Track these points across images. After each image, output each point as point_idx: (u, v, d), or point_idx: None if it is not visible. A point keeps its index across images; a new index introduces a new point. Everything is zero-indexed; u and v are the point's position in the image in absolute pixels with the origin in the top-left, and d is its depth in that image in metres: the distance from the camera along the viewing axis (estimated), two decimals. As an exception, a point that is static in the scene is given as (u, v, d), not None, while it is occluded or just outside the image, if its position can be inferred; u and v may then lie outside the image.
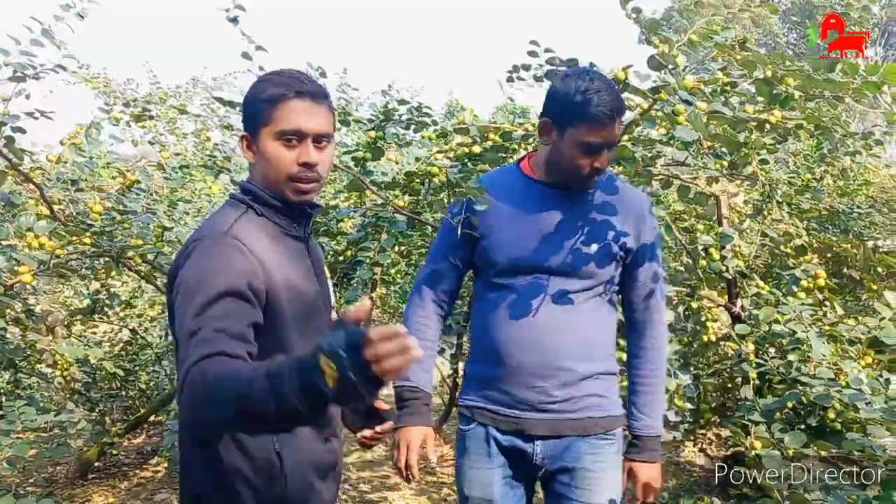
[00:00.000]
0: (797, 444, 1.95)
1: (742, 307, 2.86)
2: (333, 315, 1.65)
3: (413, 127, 2.39)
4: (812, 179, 3.10)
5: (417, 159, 2.61)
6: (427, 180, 2.44)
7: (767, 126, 1.75)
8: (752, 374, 2.34)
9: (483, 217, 1.90)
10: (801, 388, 2.24)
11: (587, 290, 1.88)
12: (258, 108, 1.47)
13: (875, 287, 3.01)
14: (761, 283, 2.85)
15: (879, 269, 3.00)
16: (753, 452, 1.85)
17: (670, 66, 1.73)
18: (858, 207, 3.06)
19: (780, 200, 2.76)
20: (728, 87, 1.84)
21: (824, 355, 2.19)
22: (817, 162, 3.29)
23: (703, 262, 2.89)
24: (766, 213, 2.99)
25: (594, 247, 1.87)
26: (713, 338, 2.94)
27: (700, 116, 1.55)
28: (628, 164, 2.64)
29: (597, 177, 1.84)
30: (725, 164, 3.00)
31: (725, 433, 4.21)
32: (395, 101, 2.45)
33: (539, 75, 2.29)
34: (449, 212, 2.05)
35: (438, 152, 2.56)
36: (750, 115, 1.70)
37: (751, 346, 2.39)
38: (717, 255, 2.81)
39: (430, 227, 2.72)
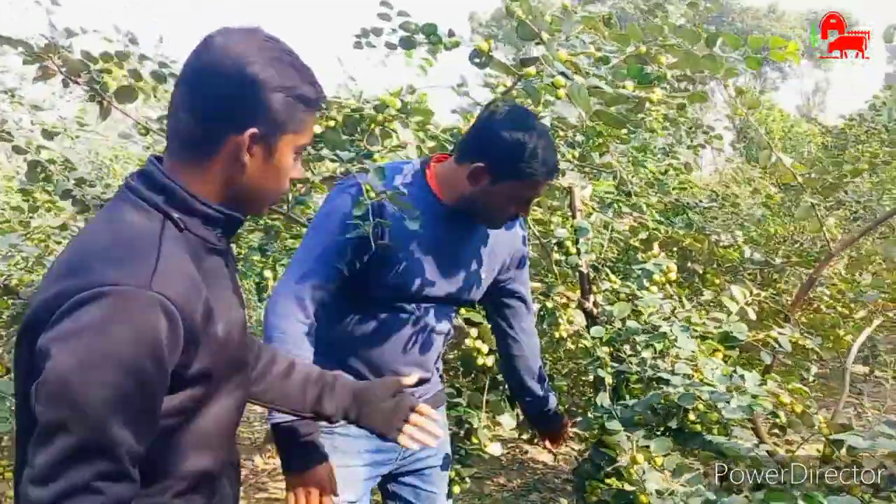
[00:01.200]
0: (663, 449, 1.83)
1: (595, 303, 2.76)
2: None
3: None
4: (658, 173, 3.07)
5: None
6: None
7: (647, 105, 1.60)
8: (609, 379, 2.21)
9: (399, 236, 1.77)
10: (661, 388, 2.13)
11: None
12: (290, 107, 1.15)
13: (717, 281, 3.03)
14: (613, 278, 2.77)
15: (721, 263, 3.03)
16: (635, 467, 1.70)
17: (542, 33, 1.53)
18: (700, 202, 3.08)
19: (637, 192, 2.69)
20: (599, 64, 1.68)
21: (693, 351, 2.10)
22: (661, 156, 3.28)
23: (556, 256, 2.77)
24: (617, 206, 2.92)
25: (486, 275, 1.97)
26: (564, 334, 2.82)
27: (583, 89, 1.36)
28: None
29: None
30: (576, 154, 2.90)
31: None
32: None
33: (392, 42, 2.02)
34: (335, 200, 1.81)
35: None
36: (630, 91, 1.55)
37: (606, 350, 2.27)
38: (573, 249, 2.68)
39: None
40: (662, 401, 2.08)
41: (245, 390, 1.30)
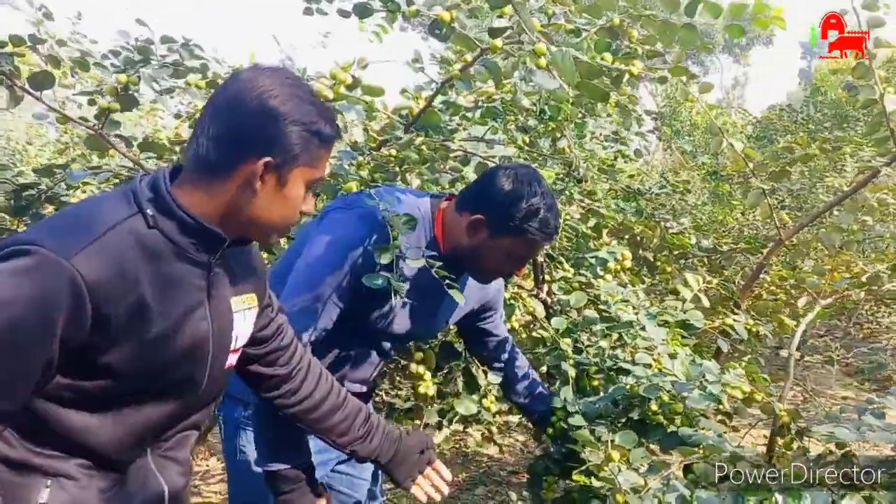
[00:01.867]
0: (629, 443, 1.74)
1: (549, 292, 2.68)
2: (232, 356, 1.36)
3: (177, 71, 1.83)
4: (608, 159, 3.01)
5: (178, 116, 2.08)
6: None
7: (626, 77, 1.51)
8: (571, 372, 2.13)
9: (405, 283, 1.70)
10: (623, 381, 2.06)
11: None
12: (306, 141, 1.21)
13: (668, 269, 2.99)
14: (567, 267, 2.69)
15: (672, 250, 2.99)
16: (610, 465, 1.61)
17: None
18: (650, 189, 3.04)
19: (592, 177, 2.62)
20: (571, 36, 1.58)
21: (664, 339, 2.04)
22: (607, 143, 3.23)
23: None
24: (568, 193, 2.84)
25: (452, 320, 2.03)
26: (516, 325, 2.74)
27: (569, 57, 1.25)
28: (435, 133, 2.32)
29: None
30: (527, 140, 2.81)
31: (514, 419, 4.08)
32: (157, 40, 1.88)
33: (346, 10, 1.86)
34: (341, 229, 1.73)
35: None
36: (609, 63, 1.45)
37: (567, 341, 2.18)
38: (525, 237, 2.59)
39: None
40: (626, 391, 2.01)
41: (183, 405, 1.30)
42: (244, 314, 1.37)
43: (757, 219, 3.43)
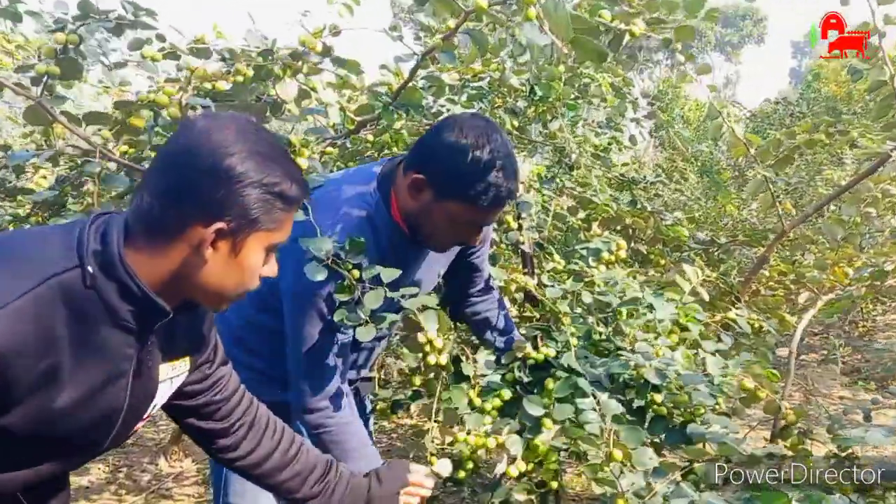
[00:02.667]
0: (634, 441, 1.57)
1: (539, 283, 2.51)
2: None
3: (119, 27, 1.62)
4: (601, 146, 2.86)
5: (122, 84, 1.90)
6: (154, 114, 1.73)
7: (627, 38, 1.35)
8: (574, 341, 1.96)
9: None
10: (624, 357, 1.89)
11: None
12: (266, 204, 1.09)
13: (663, 262, 2.84)
14: (557, 258, 2.53)
15: (667, 243, 2.84)
16: (611, 465, 1.44)
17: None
18: (644, 178, 2.88)
19: (585, 165, 2.47)
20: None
21: (674, 314, 1.91)
22: (600, 129, 3.07)
23: (496, 235, 2.52)
24: (560, 181, 2.69)
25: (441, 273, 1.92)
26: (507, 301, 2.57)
27: (562, 5, 1.09)
28: (417, 113, 2.15)
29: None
30: (516, 124, 2.65)
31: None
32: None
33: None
34: (310, 288, 1.59)
35: (168, 81, 1.86)
36: (608, 22, 1.30)
37: (565, 307, 2.02)
38: (514, 224, 2.43)
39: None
40: (631, 371, 1.83)
41: (76, 463, 1.26)
42: (171, 381, 1.27)
43: (754, 212, 3.27)
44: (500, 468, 1.71)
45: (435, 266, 1.87)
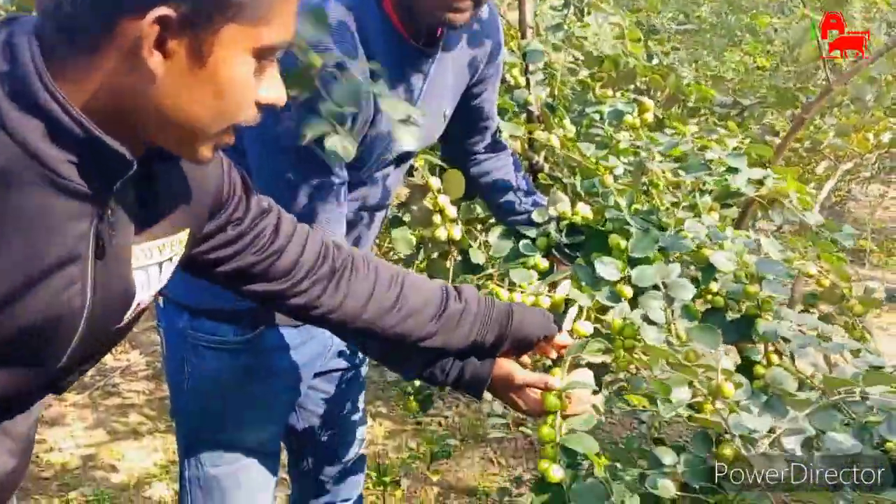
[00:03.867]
0: (711, 343, 1.22)
1: (547, 157, 2.11)
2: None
3: None
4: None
5: None
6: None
7: None
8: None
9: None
10: (684, 232, 1.54)
11: None
12: None
13: (681, 128, 2.45)
14: (567, 124, 2.11)
15: (685, 105, 2.45)
16: (717, 403, 1.09)
17: None
18: (665, 25, 2.44)
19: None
20: None
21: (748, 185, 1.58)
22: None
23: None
24: (568, 27, 2.23)
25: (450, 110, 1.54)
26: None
27: None
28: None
29: (455, 20, 1.29)
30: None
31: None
32: None
33: None
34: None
35: None
36: None
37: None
38: (521, 80, 1.99)
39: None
40: (690, 251, 1.48)
41: (17, 393, 0.86)
42: (160, 268, 0.91)
43: (792, 67, 2.85)
44: (567, 324, 1.36)
45: (440, 102, 1.50)
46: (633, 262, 1.45)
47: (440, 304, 1.21)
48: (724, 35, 2.73)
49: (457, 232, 1.57)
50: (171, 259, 0.92)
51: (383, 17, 1.33)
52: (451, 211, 1.61)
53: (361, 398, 1.84)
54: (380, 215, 1.55)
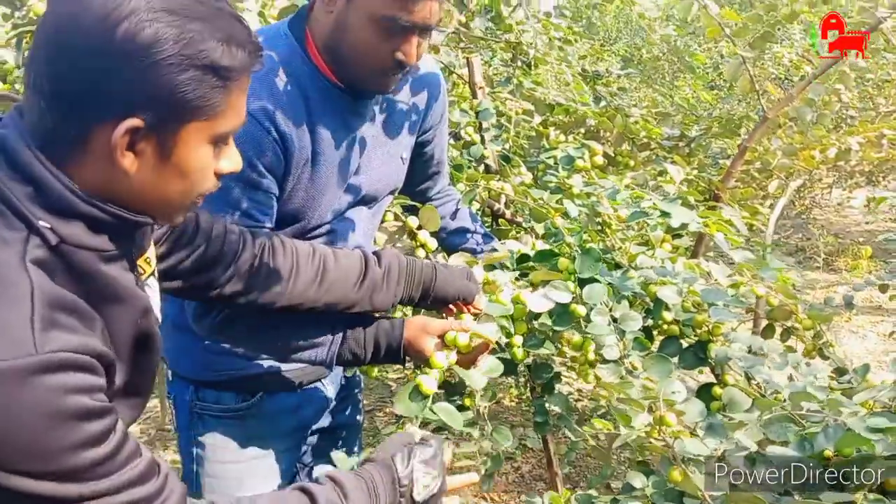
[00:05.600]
0: (661, 372, 1.32)
1: (507, 202, 2.24)
2: None
3: None
4: (566, 30, 2.52)
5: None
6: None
7: None
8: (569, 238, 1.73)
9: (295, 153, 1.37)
10: (632, 274, 1.64)
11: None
12: (193, 84, 0.80)
13: (632, 163, 2.60)
14: (524, 171, 2.25)
15: (635, 142, 2.59)
16: (662, 429, 1.19)
17: None
18: (608, 72, 2.59)
19: (548, 54, 2.15)
20: None
21: (696, 224, 1.67)
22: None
23: (454, 150, 2.21)
24: (517, 81, 2.37)
25: (406, 153, 1.60)
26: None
27: None
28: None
29: (400, 75, 1.37)
30: (462, 20, 2.30)
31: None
32: None
33: None
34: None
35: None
36: None
37: (567, 226, 1.77)
38: (475, 137, 2.12)
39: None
40: (638, 288, 1.58)
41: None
42: (152, 285, 1.05)
43: (732, 99, 3.01)
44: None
45: (395, 147, 1.57)
46: (581, 283, 1.54)
47: (360, 270, 1.30)
48: (664, 74, 2.90)
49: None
50: (153, 275, 1.06)
51: (312, 65, 1.38)
52: (432, 243, 1.71)
53: (358, 447, 1.91)
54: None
